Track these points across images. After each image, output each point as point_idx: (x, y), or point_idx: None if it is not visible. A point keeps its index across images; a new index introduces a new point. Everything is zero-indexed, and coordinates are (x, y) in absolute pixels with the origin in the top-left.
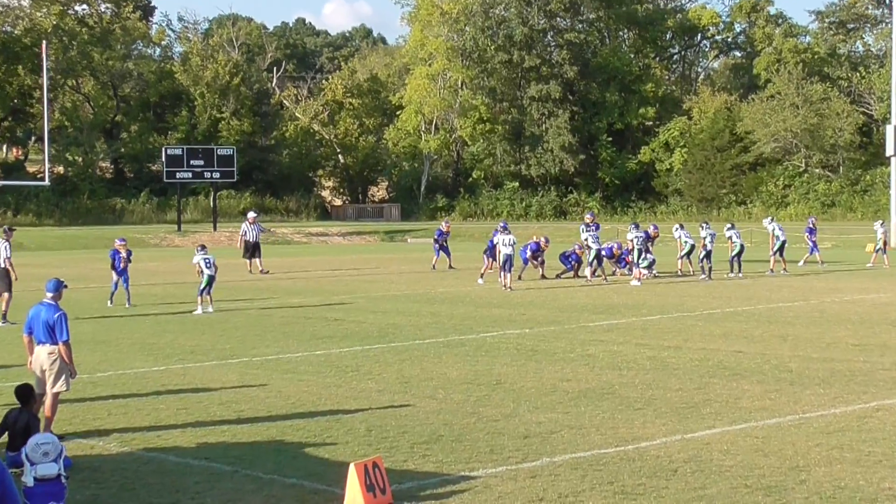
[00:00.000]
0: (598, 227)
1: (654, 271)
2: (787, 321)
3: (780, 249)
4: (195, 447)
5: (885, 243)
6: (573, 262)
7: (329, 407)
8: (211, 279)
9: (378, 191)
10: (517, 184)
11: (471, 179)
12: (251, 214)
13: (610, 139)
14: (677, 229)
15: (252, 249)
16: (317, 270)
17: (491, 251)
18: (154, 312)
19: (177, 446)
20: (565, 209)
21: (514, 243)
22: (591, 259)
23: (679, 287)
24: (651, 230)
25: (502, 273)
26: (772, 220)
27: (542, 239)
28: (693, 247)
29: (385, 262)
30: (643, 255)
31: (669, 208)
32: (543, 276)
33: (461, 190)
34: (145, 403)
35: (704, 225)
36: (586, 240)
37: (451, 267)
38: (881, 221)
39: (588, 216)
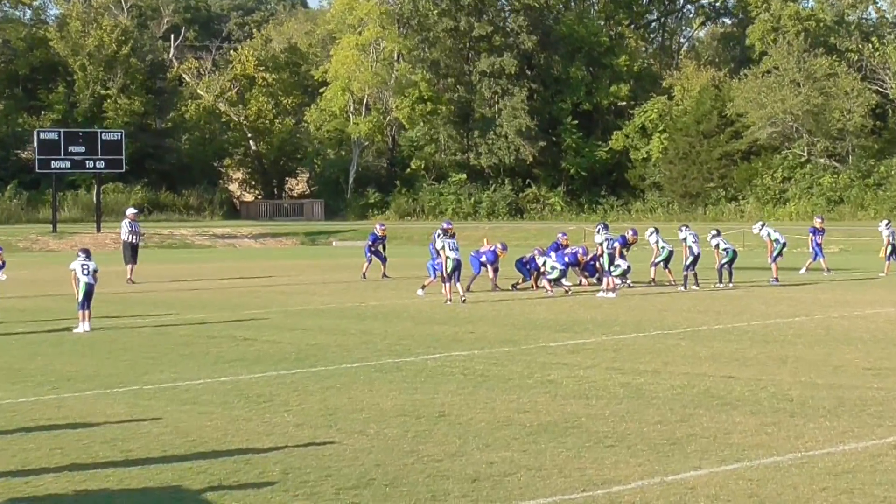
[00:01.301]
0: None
1: (628, 281)
2: (786, 340)
3: (780, 254)
4: (73, 495)
5: (894, 247)
6: (532, 270)
7: (237, 445)
8: (89, 289)
9: (297, 184)
10: (464, 176)
11: (409, 171)
12: (130, 211)
13: (575, 123)
14: (652, 233)
15: (132, 253)
16: (223, 280)
17: (432, 265)
18: (23, 331)
19: (50, 494)
20: (522, 206)
21: (458, 248)
22: (549, 274)
23: (658, 300)
24: (629, 235)
25: (447, 284)
26: (763, 225)
27: (499, 246)
28: (672, 253)
29: (306, 269)
30: (615, 262)
31: (646, 205)
32: (496, 287)
33: (397, 183)
34: (11, 443)
35: (684, 228)
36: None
37: (385, 276)
38: (887, 221)
39: (562, 236)
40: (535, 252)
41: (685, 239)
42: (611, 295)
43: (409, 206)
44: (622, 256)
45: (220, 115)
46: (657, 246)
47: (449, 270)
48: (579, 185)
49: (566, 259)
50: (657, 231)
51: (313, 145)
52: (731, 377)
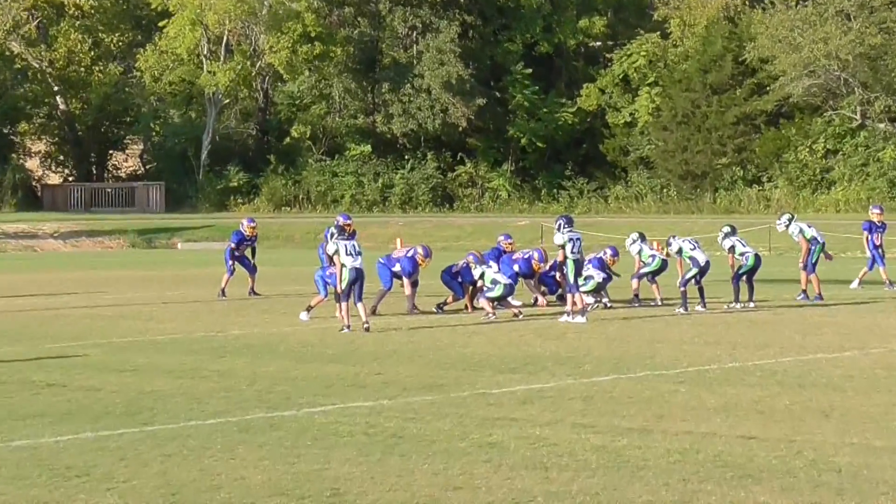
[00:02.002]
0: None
1: (604, 299)
2: (831, 384)
3: (817, 260)
4: None
5: None
6: (465, 284)
7: None
8: None
9: (126, 160)
10: (369, 148)
11: (288, 141)
12: None
13: (528, 72)
14: (635, 241)
15: None
16: (16, 299)
17: (323, 277)
18: None
19: None
20: (452, 192)
21: (361, 253)
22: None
23: (647, 326)
24: (606, 256)
25: (343, 303)
26: (791, 219)
27: (419, 250)
28: (665, 263)
29: (139, 283)
30: (584, 272)
31: (631, 190)
32: (414, 309)
33: (271, 159)
34: None
35: (674, 239)
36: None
37: (253, 292)
38: None
39: (504, 239)
40: (470, 259)
41: (679, 251)
42: (579, 319)
43: (289, 192)
44: (605, 268)
45: (13, 60)
46: (639, 257)
47: (346, 284)
48: (534, 161)
49: (515, 268)
50: (643, 238)
51: (149, 104)
52: (751, 437)
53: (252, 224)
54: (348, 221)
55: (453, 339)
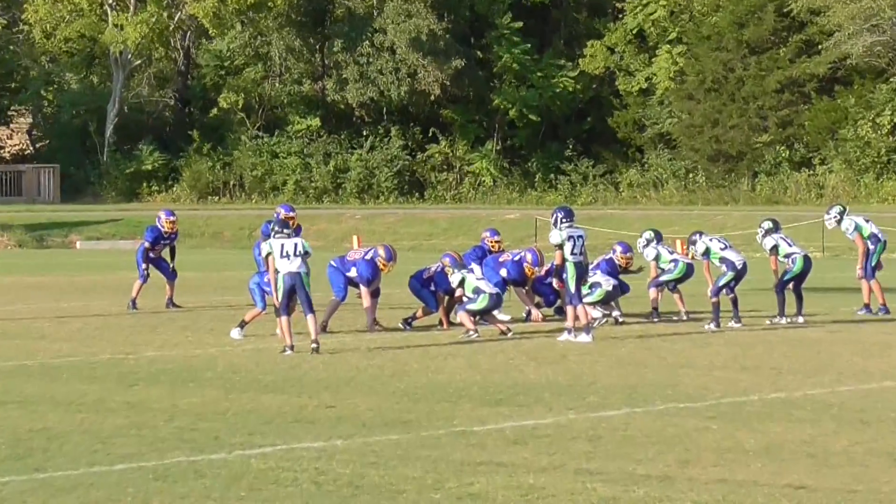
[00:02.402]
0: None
1: (614, 312)
2: None
3: (877, 263)
4: None
5: None
6: (440, 294)
7: None
8: None
9: (11, 137)
10: (317, 122)
11: (216, 113)
12: None
13: (518, 25)
14: (649, 243)
15: None
16: None
17: (261, 285)
18: None
19: None
20: (423, 177)
21: (308, 253)
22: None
23: (669, 347)
24: (617, 254)
25: (283, 317)
26: (842, 212)
27: (380, 251)
28: (690, 268)
29: (28, 290)
30: (588, 279)
31: (647, 175)
32: (375, 325)
33: (194, 136)
34: None
35: (699, 237)
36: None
37: (172, 303)
38: None
39: (489, 235)
40: (446, 261)
41: (706, 252)
42: (583, 338)
43: (217, 178)
44: (613, 273)
45: None
46: (655, 264)
47: (282, 295)
48: (526, 138)
49: (503, 274)
50: (658, 238)
51: (40, 66)
52: (800, 487)
53: (171, 218)
54: (291, 214)
55: (424, 364)
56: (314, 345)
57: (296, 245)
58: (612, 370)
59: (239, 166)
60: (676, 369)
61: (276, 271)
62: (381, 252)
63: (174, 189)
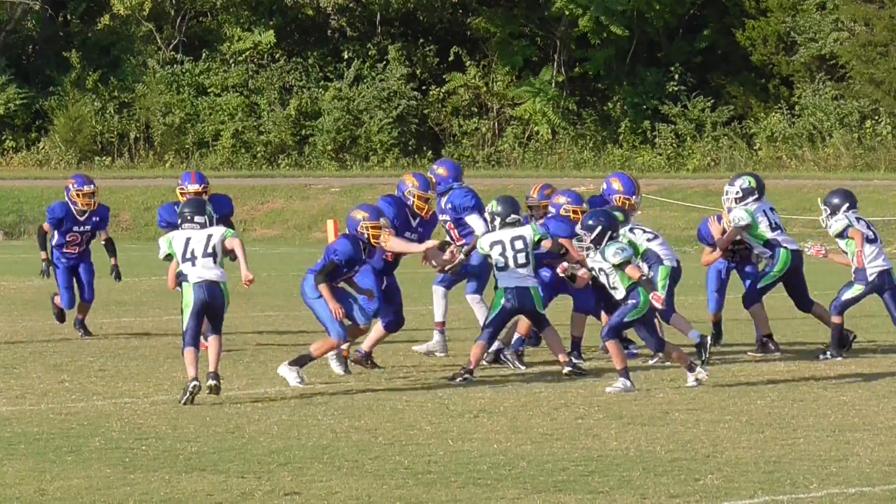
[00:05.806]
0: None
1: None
2: None
3: None
4: None
5: None
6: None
7: None
8: None
9: None
10: (270, 36)
11: (105, 22)
12: None
13: None
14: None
15: None
16: None
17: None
18: None
19: None
20: (440, 126)
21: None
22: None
23: (828, 393)
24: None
25: (186, 349)
26: None
27: (409, 181)
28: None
29: None
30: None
31: (798, 123)
32: (366, 359)
33: (72, 60)
34: None
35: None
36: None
37: (83, 327)
38: None
39: (569, 200)
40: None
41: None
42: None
43: (109, 128)
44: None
45: None
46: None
47: (189, 315)
48: (605, 63)
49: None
50: (851, 202)
51: None
52: None
53: (85, 188)
54: (200, 185)
55: (443, 425)
56: (212, 380)
57: (208, 238)
58: (742, 435)
59: (144, 109)
60: (843, 433)
61: (183, 279)
62: (410, 181)
63: (40, 144)
